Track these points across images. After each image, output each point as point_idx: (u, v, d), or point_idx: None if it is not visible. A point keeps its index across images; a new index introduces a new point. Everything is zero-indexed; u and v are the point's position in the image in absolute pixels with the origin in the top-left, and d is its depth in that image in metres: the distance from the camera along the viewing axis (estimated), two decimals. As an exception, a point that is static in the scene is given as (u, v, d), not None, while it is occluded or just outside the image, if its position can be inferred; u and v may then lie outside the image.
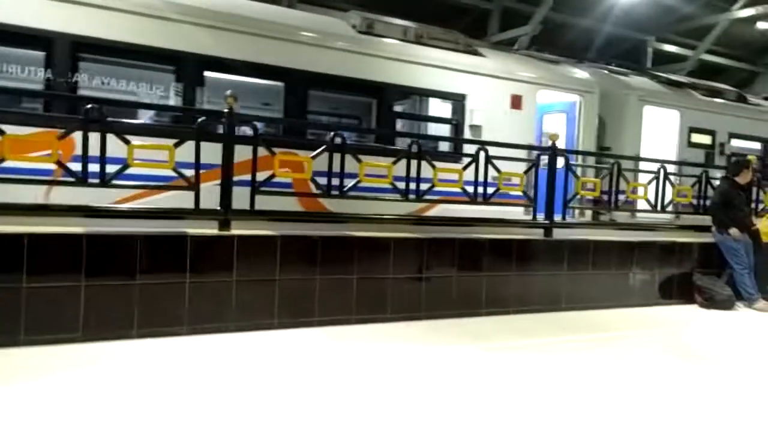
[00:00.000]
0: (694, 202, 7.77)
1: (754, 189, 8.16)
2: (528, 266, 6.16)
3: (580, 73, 10.09)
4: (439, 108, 8.63)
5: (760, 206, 8.34)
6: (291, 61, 7.29)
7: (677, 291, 7.06)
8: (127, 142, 4.59)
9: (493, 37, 15.40)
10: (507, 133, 8.01)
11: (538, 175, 6.59)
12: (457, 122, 8.48)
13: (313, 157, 5.39)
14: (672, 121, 10.42)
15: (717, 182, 7.70)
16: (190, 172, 4.84)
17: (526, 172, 6.59)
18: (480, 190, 6.08)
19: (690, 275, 7.09)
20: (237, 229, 4.94)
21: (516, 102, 8.74)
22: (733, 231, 7.03)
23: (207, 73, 6.93)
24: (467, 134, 8.37)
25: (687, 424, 3.39)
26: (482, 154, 6.02)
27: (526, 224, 6.83)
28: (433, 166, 5.84)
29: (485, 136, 8.09)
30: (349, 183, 5.52)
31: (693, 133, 10.58)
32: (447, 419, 3.25)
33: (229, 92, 4.99)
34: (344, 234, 5.42)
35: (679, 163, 9.41)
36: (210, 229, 4.85)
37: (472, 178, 6.03)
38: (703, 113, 10.78)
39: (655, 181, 7.34)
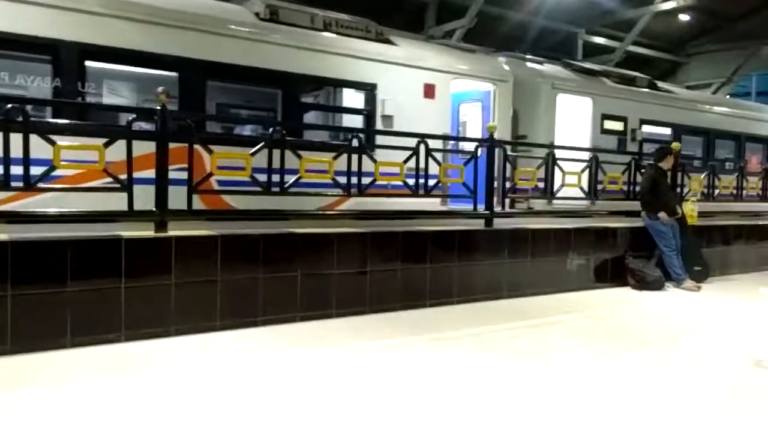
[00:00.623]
0: (625, 188, 8.08)
1: (679, 174, 8.61)
2: (470, 256, 6.27)
3: (495, 62, 10.06)
4: (349, 98, 8.39)
5: (685, 190, 8.82)
6: (185, 50, 6.93)
7: (611, 274, 7.36)
8: (52, 143, 4.37)
9: (430, 30, 15.53)
10: (421, 122, 7.81)
11: (478, 167, 6.65)
12: (368, 113, 8.22)
13: (253, 154, 5.30)
14: (585, 109, 10.56)
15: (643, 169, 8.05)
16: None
17: (465, 164, 6.69)
18: (411, 182, 6.08)
19: (623, 259, 7.42)
20: (174, 230, 4.80)
21: (429, 91, 8.60)
22: (662, 215, 7.38)
23: (89, 64, 6.50)
24: (379, 125, 8.17)
25: (616, 398, 3.56)
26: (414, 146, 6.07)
27: (468, 215, 6.96)
28: (374, 160, 5.83)
29: (398, 127, 7.98)
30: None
31: (606, 119, 10.79)
32: (400, 413, 3.28)
33: (161, 89, 4.83)
34: (287, 231, 5.36)
35: (610, 152, 9.74)
36: (145, 231, 4.69)
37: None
38: (615, 100, 10.99)
39: (587, 169, 7.62)
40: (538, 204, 8.31)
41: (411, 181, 6.09)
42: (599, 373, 4.08)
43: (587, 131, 10.55)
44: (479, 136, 8.92)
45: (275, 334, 4.80)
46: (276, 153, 5.28)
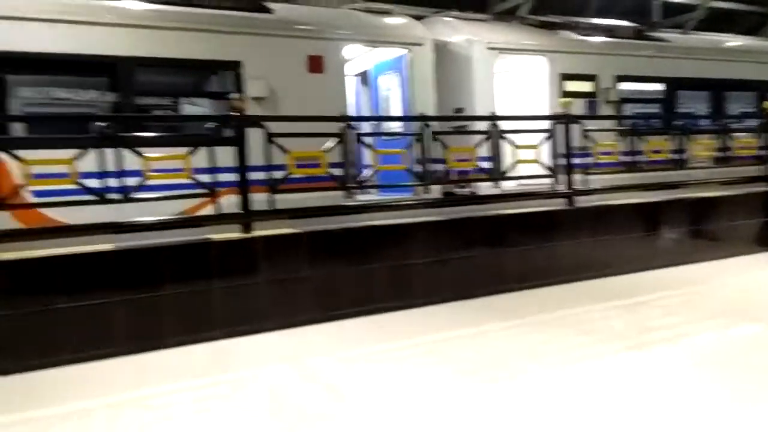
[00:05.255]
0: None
1: None
2: (553, 237, 6.13)
3: (404, 22, 8.16)
4: (205, 82, 6.94)
5: None
6: None
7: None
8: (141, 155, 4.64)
9: (495, 7, 15.09)
10: (308, 102, 6.68)
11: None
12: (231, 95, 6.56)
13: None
14: (539, 69, 8.84)
15: None
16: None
17: (477, 145, 6.15)
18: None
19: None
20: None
21: (315, 64, 7.14)
22: None
23: None
24: (252, 110, 6.42)
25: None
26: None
27: (547, 195, 6.64)
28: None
29: (272, 110, 6.61)
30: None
31: (566, 80, 8.92)
32: (489, 396, 3.22)
33: None
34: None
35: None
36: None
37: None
38: (579, 56, 9.14)
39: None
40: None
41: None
42: (697, 352, 3.84)
43: (544, 96, 8.73)
44: (400, 113, 7.87)
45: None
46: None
